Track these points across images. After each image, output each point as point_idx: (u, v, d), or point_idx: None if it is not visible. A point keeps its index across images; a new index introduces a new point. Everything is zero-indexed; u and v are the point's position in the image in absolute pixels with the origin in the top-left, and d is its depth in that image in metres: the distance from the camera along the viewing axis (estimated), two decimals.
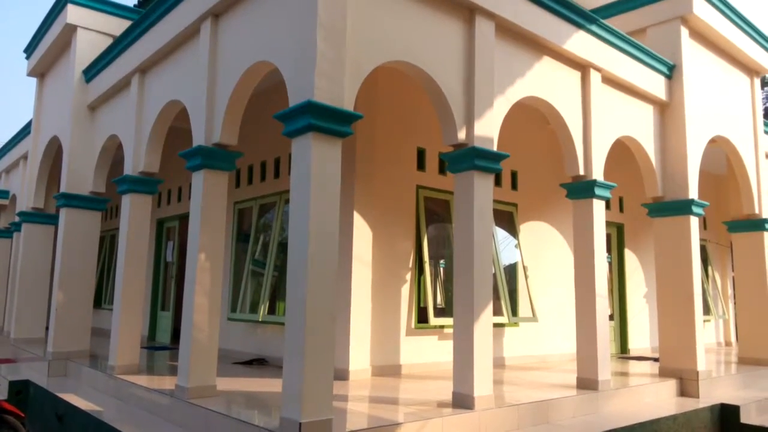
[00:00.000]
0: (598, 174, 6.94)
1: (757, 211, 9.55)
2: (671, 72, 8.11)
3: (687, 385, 7.55)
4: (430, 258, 7.90)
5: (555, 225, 9.92)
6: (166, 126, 7.08)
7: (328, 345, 4.27)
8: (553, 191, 9.18)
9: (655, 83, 7.91)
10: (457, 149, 5.58)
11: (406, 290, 7.65)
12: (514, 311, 8.85)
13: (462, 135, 5.50)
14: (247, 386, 6.35)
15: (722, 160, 9.83)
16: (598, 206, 6.94)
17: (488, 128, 5.67)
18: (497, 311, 8.34)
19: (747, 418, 6.89)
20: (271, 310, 8.17)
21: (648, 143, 7.88)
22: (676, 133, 8.07)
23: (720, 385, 7.93)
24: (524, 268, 9.16)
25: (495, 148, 5.69)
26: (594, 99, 7.00)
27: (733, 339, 13.86)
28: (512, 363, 8.80)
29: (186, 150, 5.88)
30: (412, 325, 7.64)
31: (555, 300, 9.54)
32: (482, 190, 5.52)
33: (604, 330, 6.77)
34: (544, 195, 9.66)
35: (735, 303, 12.27)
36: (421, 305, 7.79)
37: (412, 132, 7.91)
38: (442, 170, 8.17)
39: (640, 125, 7.81)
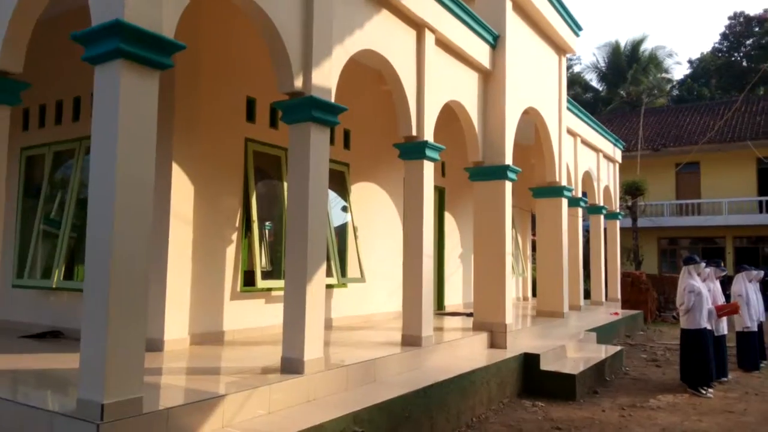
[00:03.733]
0: (429, 135, 7.03)
1: (557, 179, 10.60)
2: (496, 42, 8.49)
3: (496, 337, 8.17)
4: (259, 218, 7.42)
5: (384, 186, 10.01)
6: None
7: (138, 312, 3.66)
8: (384, 152, 9.20)
9: (481, 51, 8.20)
10: (292, 98, 5.16)
11: (231, 251, 7.10)
12: (344, 272, 8.79)
13: (299, 83, 5.09)
14: (37, 363, 5.40)
15: (531, 131, 10.68)
16: (428, 168, 7.04)
17: (326, 78, 5.34)
18: (327, 272, 8.15)
19: (546, 364, 7.68)
20: (68, 276, 7.07)
21: (473, 109, 8.20)
22: (497, 102, 8.51)
23: (523, 336, 8.73)
24: (354, 228, 9.11)
25: (333, 100, 5.38)
26: (428, 60, 7.03)
27: (529, 294, 15.56)
28: (339, 324, 8.77)
29: None
30: (238, 289, 7.15)
31: (381, 260, 9.69)
32: (319, 143, 5.20)
33: (429, 289, 6.98)
34: (376, 156, 9.65)
35: (534, 263, 13.67)
36: (248, 268, 7.32)
37: (241, 79, 7.24)
38: (273, 123, 7.66)
39: (466, 91, 8.07)
